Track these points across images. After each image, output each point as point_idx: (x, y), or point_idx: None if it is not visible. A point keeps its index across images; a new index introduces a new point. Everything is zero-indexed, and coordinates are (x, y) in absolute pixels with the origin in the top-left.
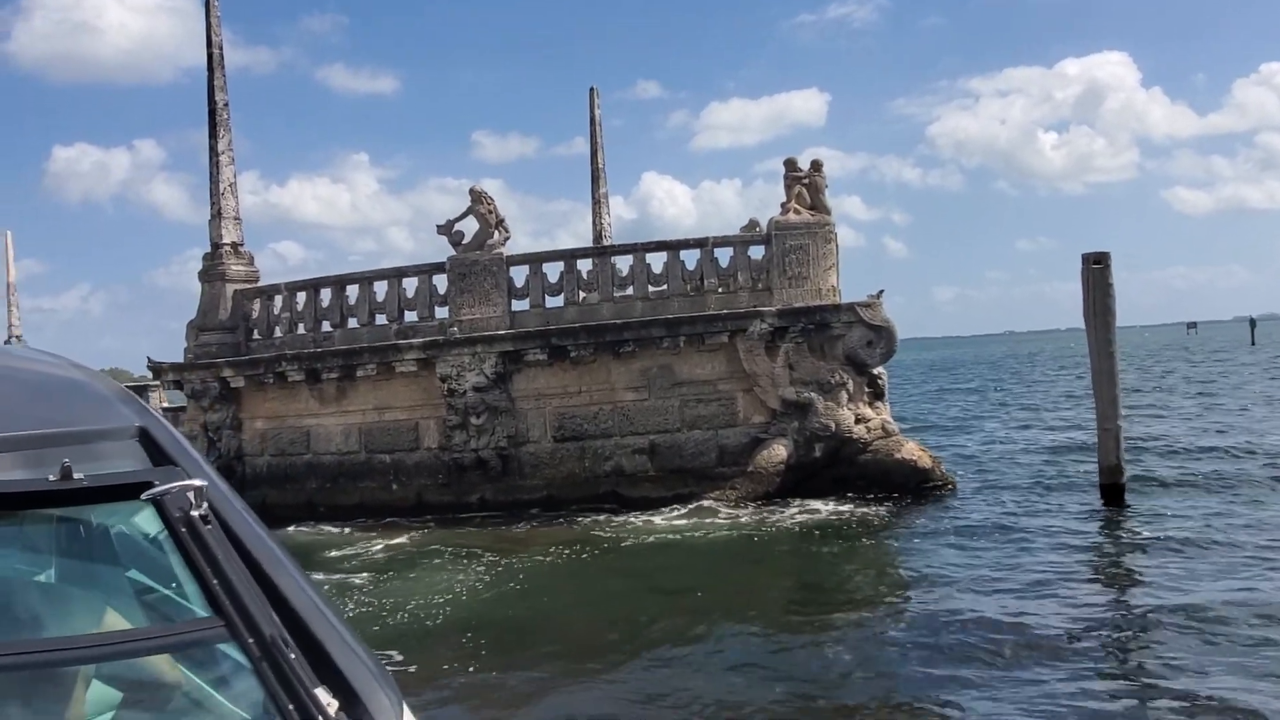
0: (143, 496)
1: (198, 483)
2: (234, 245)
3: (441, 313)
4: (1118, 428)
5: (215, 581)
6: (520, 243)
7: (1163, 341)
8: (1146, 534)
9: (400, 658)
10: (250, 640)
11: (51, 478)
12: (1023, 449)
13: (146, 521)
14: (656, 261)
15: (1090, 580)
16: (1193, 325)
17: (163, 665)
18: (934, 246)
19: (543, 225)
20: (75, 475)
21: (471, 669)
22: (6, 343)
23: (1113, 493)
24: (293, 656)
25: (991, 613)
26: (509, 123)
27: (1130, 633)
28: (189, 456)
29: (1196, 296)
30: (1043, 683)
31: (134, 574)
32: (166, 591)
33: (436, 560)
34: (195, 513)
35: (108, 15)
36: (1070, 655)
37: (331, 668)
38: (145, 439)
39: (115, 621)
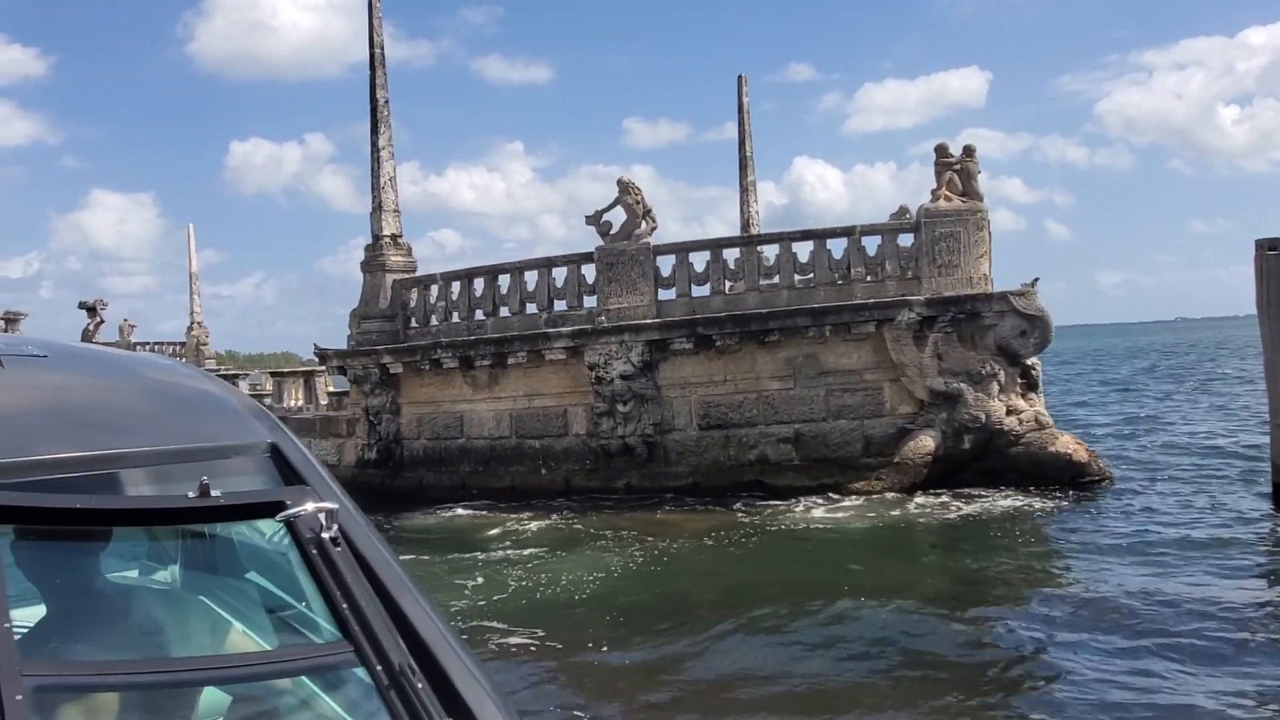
0: (277, 518)
1: (330, 505)
2: (393, 237)
3: (590, 302)
4: None
5: (345, 605)
6: (669, 229)
7: None
8: None
9: (543, 633)
10: (379, 667)
11: (190, 495)
12: (1188, 444)
13: (275, 538)
14: (803, 250)
15: (1252, 587)
16: None
17: (284, 686)
18: (1099, 229)
19: (692, 210)
20: (213, 493)
21: (610, 646)
22: (190, 329)
23: None
24: (420, 686)
25: (1143, 616)
26: (659, 109)
27: None
28: (319, 476)
29: None
30: (1193, 693)
31: (261, 589)
32: (294, 610)
33: (584, 542)
34: (326, 535)
35: (281, 14)
36: (1225, 666)
37: (457, 699)
38: (277, 456)
39: (240, 637)
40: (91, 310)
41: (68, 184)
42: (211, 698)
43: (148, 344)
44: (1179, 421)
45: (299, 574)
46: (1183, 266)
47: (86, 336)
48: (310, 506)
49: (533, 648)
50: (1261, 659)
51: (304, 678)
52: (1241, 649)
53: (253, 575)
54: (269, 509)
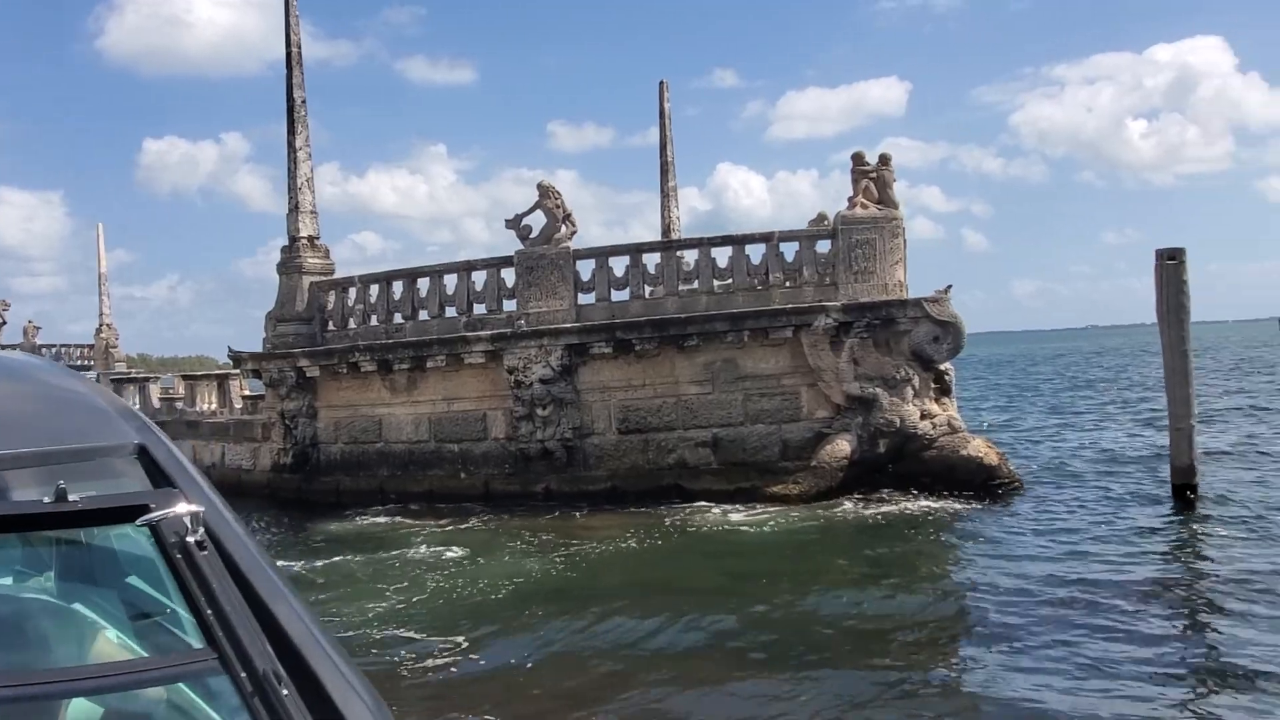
0: (138, 521)
1: (195, 508)
2: (310, 239)
3: (509, 306)
4: (1190, 427)
5: (209, 611)
6: (593, 233)
7: (1250, 338)
8: (1219, 534)
9: (460, 637)
10: (243, 674)
11: (46, 500)
12: (1096, 448)
13: (146, 543)
14: (722, 256)
15: (1155, 581)
16: None
17: (155, 693)
18: (1015, 239)
19: (616, 215)
20: (71, 497)
21: (526, 649)
22: (99, 331)
23: (1184, 492)
24: (285, 693)
25: (1052, 613)
26: (584, 113)
27: (1201, 634)
28: (189, 477)
29: None
30: (1106, 685)
31: (131, 596)
32: (162, 617)
33: (503, 546)
34: (191, 539)
35: (197, 9)
36: (1131, 661)
37: (328, 703)
38: (145, 457)
39: (110, 646)
40: None
41: None
42: (82, 709)
43: (54, 346)
44: (1088, 426)
45: (169, 584)
46: (1095, 276)
47: None
48: (175, 509)
49: (449, 651)
50: (1157, 647)
51: (179, 685)
52: (1136, 639)
53: (132, 580)
54: (131, 513)
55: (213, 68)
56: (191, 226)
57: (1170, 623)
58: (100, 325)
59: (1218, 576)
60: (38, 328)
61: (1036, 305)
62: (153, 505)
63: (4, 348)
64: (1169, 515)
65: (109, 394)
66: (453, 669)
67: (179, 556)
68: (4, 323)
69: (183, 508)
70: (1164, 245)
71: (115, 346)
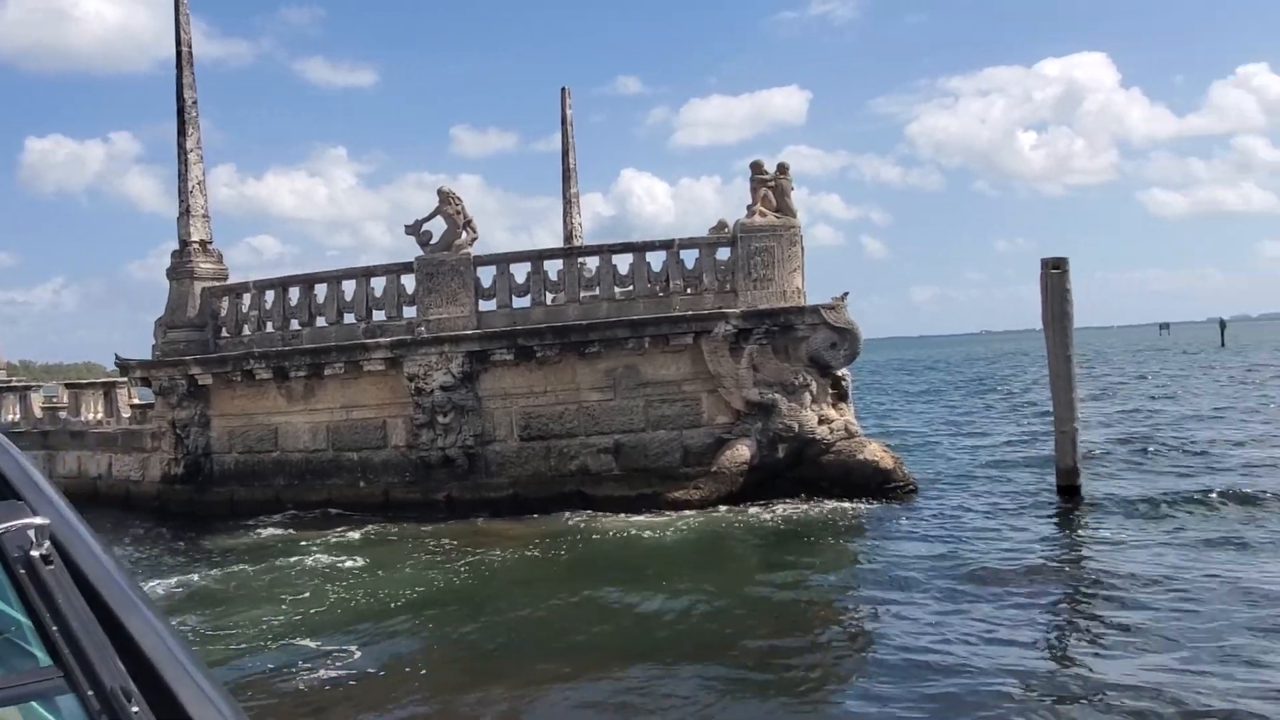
0: None
1: (40, 520)
2: (202, 243)
3: (409, 312)
4: (1074, 430)
5: (55, 628)
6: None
7: (1133, 342)
8: (1101, 533)
9: (355, 647)
10: (90, 692)
11: None
12: (988, 449)
13: None
14: (623, 263)
15: (1043, 577)
16: (1165, 326)
17: (13, 712)
18: (913, 246)
19: (521, 220)
20: None
21: (426, 658)
22: None
23: (1069, 492)
24: (135, 710)
25: (937, 608)
26: (488, 118)
27: (1081, 629)
28: (36, 489)
29: (1172, 298)
30: (990, 675)
31: None
32: (7, 635)
33: (403, 555)
34: (35, 553)
35: (83, 4)
36: (1021, 644)
37: (183, 719)
38: None
39: None
40: None
41: None
42: None
43: None
44: (981, 428)
45: (13, 601)
46: (988, 283)
47: None
48: (17, 522)
49: (343, 660)
50: (1042, 634)
51: (32, 705)
52: (1027, 636)
53: None
54: None
55: (100, 65)
56: (78, 228)
57: (1052, 618)
58: None
59: (1096, 571)
60: None
61: (934, 311)
62: None
63: None
64: (1054, 515)
65: None
66: (347, 678)
67: (22, 571)
68: None
69: (26, 520)
70: (1052, 253)
71: None
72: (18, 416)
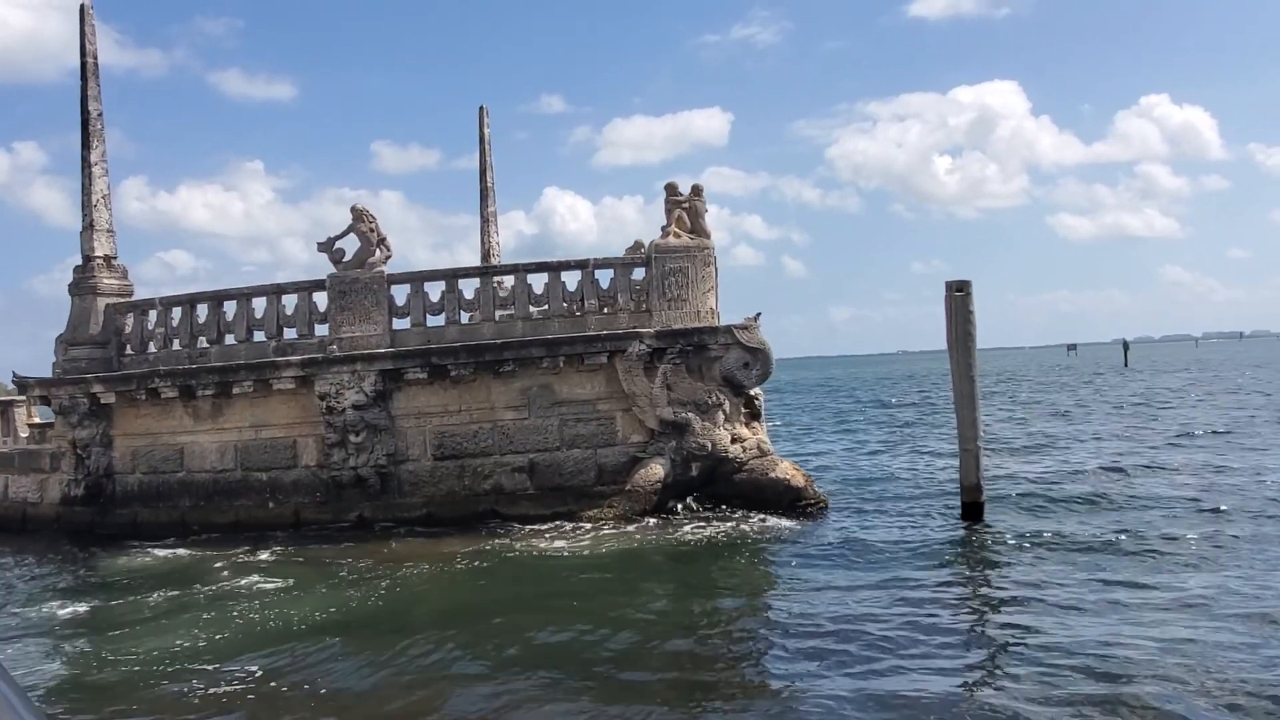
0: None
1: None
2: (106, 258)
3: (321, 330)
4: (977, 448)
5: None
6: (420, 256)
7: (1044, 363)
8: (1002, 549)
9: (258, 669)
10: None
11: None
12: (898, 468)
13: None
14: (538, 282)
15: (946, 597)
16: (1073, 347)
17: None
18: (832, 267)
19: (443, 238)
20: None
21: (331, 679)
22: None
23: (973, 510)
24: None
25: (845, 620)
26: (409, 134)
27: (984, 643)
28: None
29: (1079, 319)
30: (892, 687)
31: None
32: None
33: (311, 577)
34: None
35: None
36: (921, 661)
37: None
38: None
39: None
40: None
41: None
42: None
43: None
44: (891, 447)
45: None
46: (905, 303)
47: None
48: None
49: (243, 681)
50: (949, 650)
51: None
52: (933, 641)
53: None
54: None
55: (5, 72)
56: None
57: (952, 629)
58: None
59: (995, 586)
60: None
61: (852, 330)
62: None
63: None
64: (956, 533)
65: None
66: (246, 702)
67: None
68: None
69: None
70: (966, 274)
71: None
72: None
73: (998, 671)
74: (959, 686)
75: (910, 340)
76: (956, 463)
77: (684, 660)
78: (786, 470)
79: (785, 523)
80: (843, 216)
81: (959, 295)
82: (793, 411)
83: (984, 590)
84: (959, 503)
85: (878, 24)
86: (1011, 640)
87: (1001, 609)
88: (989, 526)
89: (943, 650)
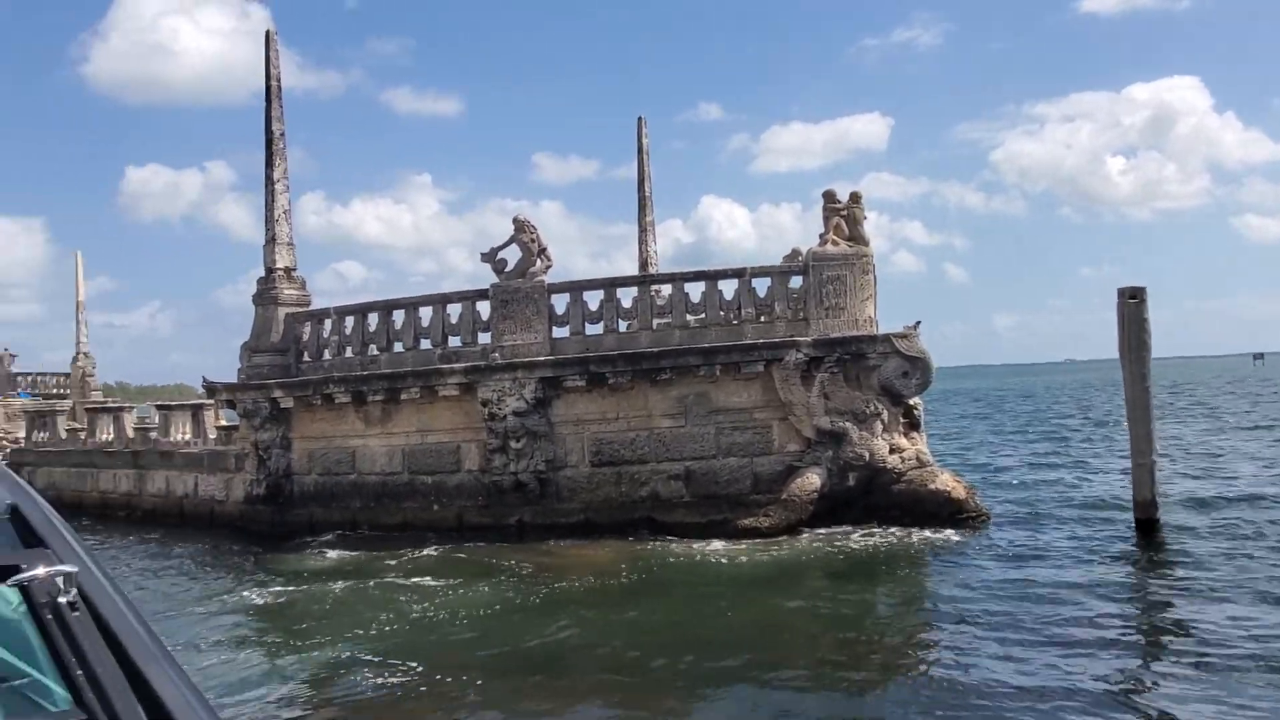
0: (9, 582)
1: (68, 568)
2: (287, 270)
3: (484, 338)
4: (1152, 462)
5: (79, 673)
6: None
7: (1225, 371)
8: (1179, 570)
9: (420, 667)
10: None
11: None
12: (1066, 480)
13: (10, 605)
14: (695, 290)
15: (1116, 614)
16: (1259, 356)
17: None
18: (996, 273)
19: (601, 247)
20: None
21: (493, 686)
22: (75, 360)
23: (1146, 526)
24: None
25: (1010, 643)
26: (569, 145)
27: (1155, 674)
28: (61, 538)
29: (1266, 326)
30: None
31: (2, 660)
32: (28, 678)
33: (474, 579)
34: (63, 599)
35: (183, 39)
36: (1095, 682)
37: None
38: (16, 518)
39: None
40: None
41: None
42: None
43: (29, 374)
44: (1058, 459)
45: (36, 645)
46: (1072, 310)
47: None
48: (46, 570)
49: (405, 684)
50: (1126, 670)
51: None
52: (1108, 664)
53: None
54: (1, 573)
55: (198, 96)
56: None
57: (1119, 659)
58: (77, 354)
59: (1173, 607)
60: (13, 355)
61: (1016, 338)
62: (24, 565)
63: None
64: (1130, 550)
65: None
66: (409, 695)
67: (49, 617)
68: None
69: (55, 568)
70: (1141, 280)
71: (92, 375)
72: (111, 436)
73: (1176, 697)
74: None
75: (1078, 348)
76: (1128, 477)
77: (828, 676)
78: (947, 481)
79: (946, 535)
80: (1007, 221)
81: (1133, 303)
82: (954, 421)
83: (1162, 614)
84: (1131, 518)
85: (1046, 22)
86: (1191, 665)
87: (1180, 632)
88: (1164, 544)
89: (1119, 671)
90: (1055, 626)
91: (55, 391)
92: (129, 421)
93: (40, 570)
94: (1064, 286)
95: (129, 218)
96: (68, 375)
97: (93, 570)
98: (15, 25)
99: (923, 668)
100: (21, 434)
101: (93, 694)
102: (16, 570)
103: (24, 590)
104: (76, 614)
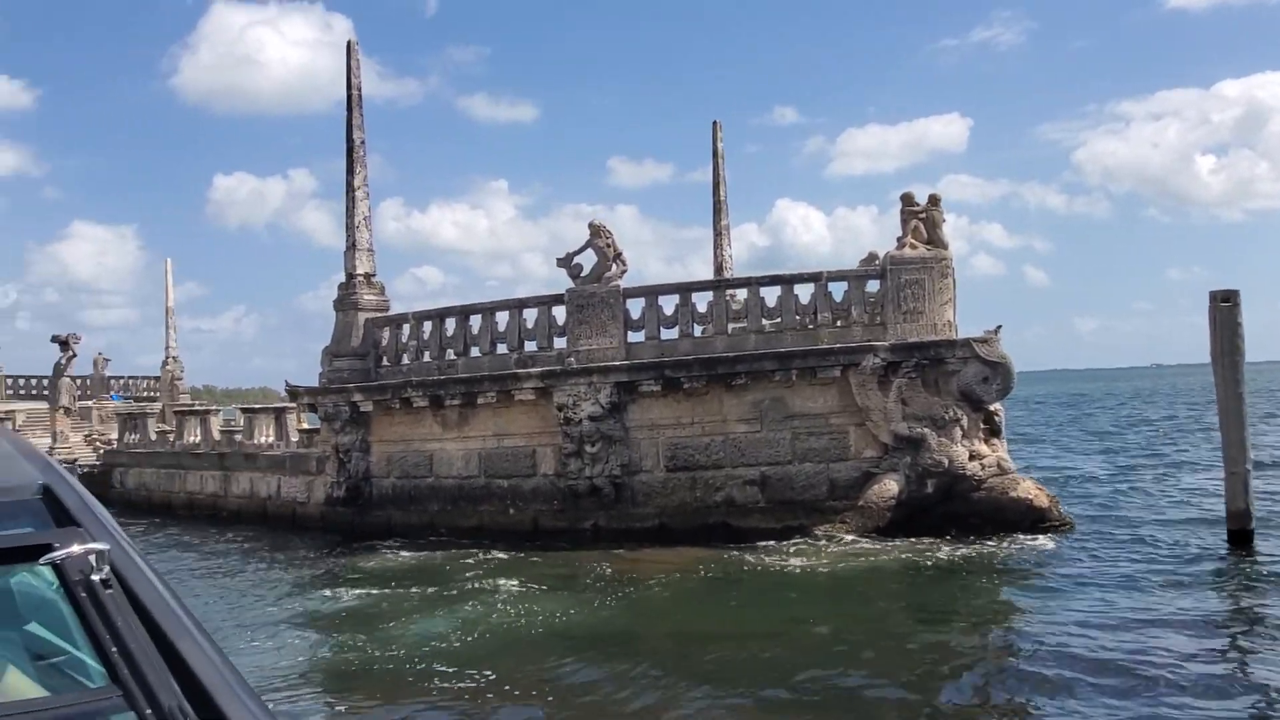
0: (41, 560)
1: (100, 546)
2: (366, 275)
3: (560, 343)
4: (1245, 471)
5: (114, 649)
6: (653, 269)
7: None
8: (1275, 581)
9: (491, 673)
10: (148, 711)
11: None
12: (1153, 489)
13: (46, 584)
14: (770, 295)
15: (1210, 633)
16: None
17: None
18: (1078, 275)
19: (676, 251)
20: None
21: (558, 692)
22: (165, 364)
23: (1240, 538)
24: None
25: (1098, 654)
26: (644, 149)
27: (1251, 686)
28: (93, 518)
29: None
30: None
31: (35, 634)
32: (66, 655)
33: (548, 583)
34: (96, 577)
35: (269, 50)
36: (1184, 700)
37: None
38: (49, 498)
39: (13, 682)
40: (64, 344)
41: (49, 215)
42: None
43: (122, 378)
44: (1144, 467)
45: (71, 622)
46: (1158, 313)
47: (58, 370)
48: (79, 548)
49: (477, 687)
50: (1215, 690)
51: None
52: (1196, 681)
53: (32, 625)
54: (33, 553)
55: (282, 105)
56: (258, 261)
57: (1220, 676)
58: (166, 358)
59: (1268, 622)
60: (107, 359)
61: (1099, 342)
62: (57, 544)
63: (73, 379)
64: (1222, 562)
65: (12, 436)
66: (483, 698)
67: (83, 594)
68: (74, 355)
69: (87, 546)
70: (1232, 282)
71: (180, 379)
72: (198, 438)
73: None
74: None
75: (1164, 353)
76: (1219, 486)
77: (930, 689)
78: (1029, 489)
79: (1028, 545)
80: (1090, 222)
81: (1225, 306)
82: (1036, 427)
83: (1255, 628)
84: (1224, 529)
85: (1130, 19)
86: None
87: (1275, 647)
88: (1258, 556)
89: (1208, 691)
90: (1148, 654)
91: (146, 394)
92: (215, 424)
93: (73, 548)
94: (1149, 289)
95: (216, 225)
96: (158, 378)
97: (125, 548)
98: (109, 44)
99: (1008, 699)
100: (114, 435)
101: (127, 670)
102: (50, 549)
103: (58, 569)
104: (110, 591)
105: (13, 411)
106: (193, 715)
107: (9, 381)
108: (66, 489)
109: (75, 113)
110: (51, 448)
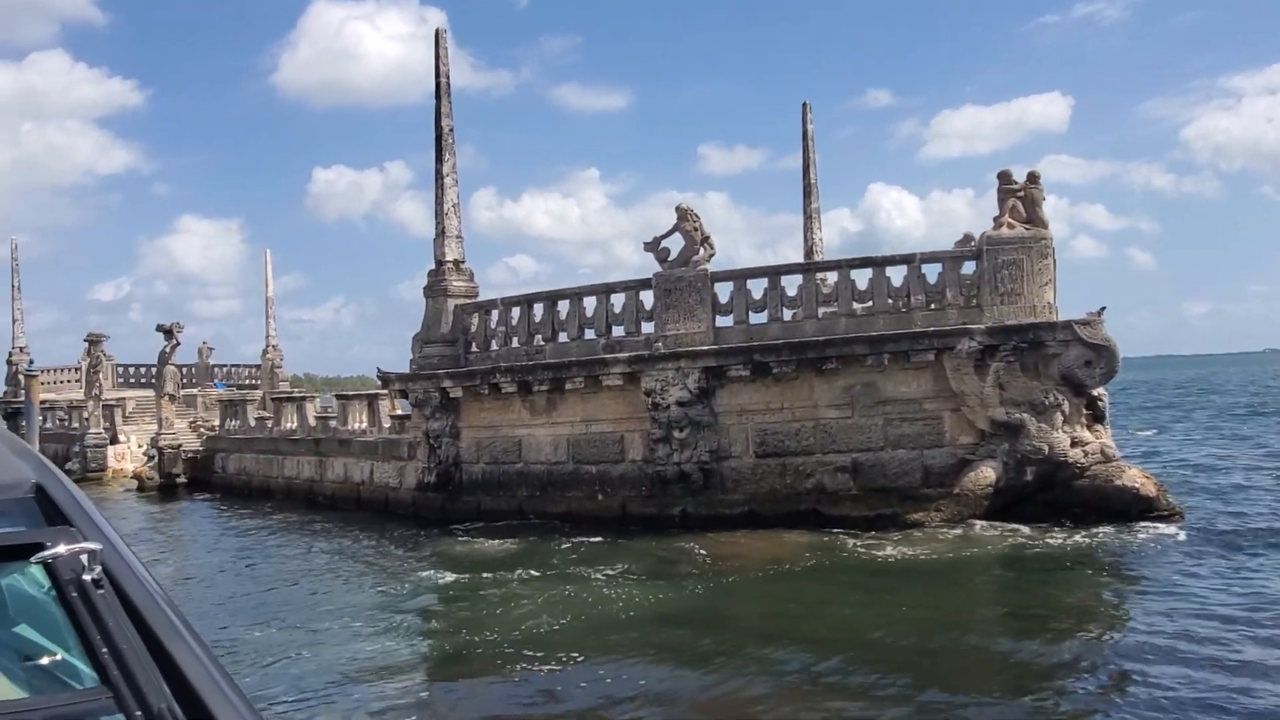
0: (33, 560)
1: (92, 545)
2: (455, 262)
3: (648, 328)
4: None
5: (104, 650)
6: (744, 255)
7: None
8: None
9: (580, 656)
10: (137, 713)
11: None
12: (1264, 482)
13: (36, 585)
14: (861, 278)
15: None
16: None
17: None
18: (1186, 258)
19: (766, 238)
20: None
21: (648, 678)
22: (265, 352)
23: None
24: None
25: (1215, 652)
26: (734, 135)
27: None
28: (85, 516)
29: None
30: None
31: (23, 635)
32: (56, 656)
33: (638, 569)
34: (87, 577)
35: (366, 43)
36: None
37: None
38: (41, 496)
39: (1, 684)
40: (169, 333)
41: (159, 211)
42: None
43: (225, 366)
44: (1261, 457)
45: (62, 623)
46: (1275, 296)
47: (163, 359)
48: (69, 547)
49: (574, 670)
50: None
51: None
52: None
53: (22, 625)
54: (24, 551)
55: (379, 99)
56: (356, 251)
57: None
58: (266, 347)
59: None
60: (211, 349)
61: (1209, 327)
62: (48, 543)
63: (179, 367)
64: None
65: (6, 434)
66: (578, 685)
67: (74, 594)
68: (179, 344)
69: (79, 545)
70: None
71: (280, 367)
72: (295, 425)
73: None
74: None
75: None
76: None
77: (1033, 687)
78: (1135, 477)
79: (1134, 535)
80: (1199, 202)
81: None
82: (1142, 414)
83: None
84: None
85: None
86: None
87: None
88: None
89: None
90: (1269, 649)
91: (248, 382)
92: (311, 411)
93: (64, 548)
94: (1265, 271)
95: (315, 217)
96: (259, 367)
97: (117, 548)
98: (213, 44)
99: (1119, 700)
100: (217, 422)
101: (118, 671)
102: (41, 548)
103: (49, 568)
104: (101, 591)
105: (123, 399)
106: (181, 717)
107: (119, 370)
108: (59, 488)
109: (182, 111)
110: (158, 433)
